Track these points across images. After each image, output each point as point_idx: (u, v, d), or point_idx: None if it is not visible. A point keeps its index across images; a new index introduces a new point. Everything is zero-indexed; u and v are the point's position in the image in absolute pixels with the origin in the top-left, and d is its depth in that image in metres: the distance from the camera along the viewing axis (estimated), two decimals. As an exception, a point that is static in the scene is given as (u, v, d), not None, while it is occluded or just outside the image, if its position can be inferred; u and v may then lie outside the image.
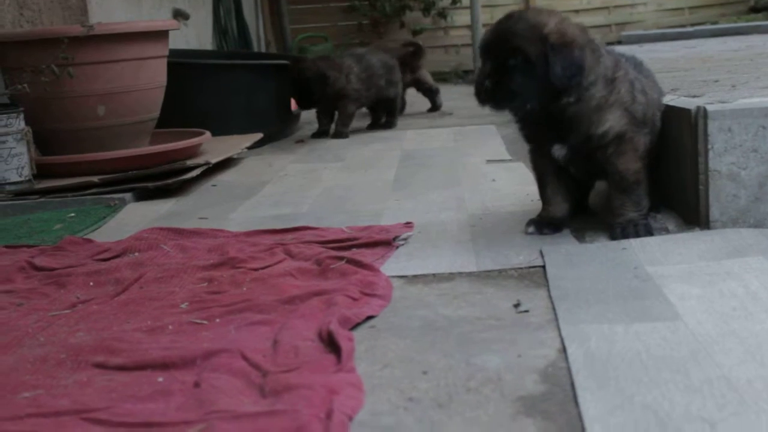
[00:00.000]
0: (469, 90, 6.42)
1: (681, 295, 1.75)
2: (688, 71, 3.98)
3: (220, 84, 4.65)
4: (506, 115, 4.74)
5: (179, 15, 6.57)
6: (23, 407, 1.36)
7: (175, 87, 4.02)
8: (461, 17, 9.49)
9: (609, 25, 10.30)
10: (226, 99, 4.64)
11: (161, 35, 3.89)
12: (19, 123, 3.27)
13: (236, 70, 4.79)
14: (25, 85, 3.27)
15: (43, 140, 3.59)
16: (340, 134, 4.87)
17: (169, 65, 3.95)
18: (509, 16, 2.23)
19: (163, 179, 3.28)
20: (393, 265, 2.14)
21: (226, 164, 3.89)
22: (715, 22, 10.02)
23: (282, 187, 3.38)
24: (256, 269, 2.10)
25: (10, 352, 1.64)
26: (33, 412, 1.33)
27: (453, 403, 1.34)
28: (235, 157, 4.07)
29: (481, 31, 7.54)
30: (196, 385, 1.40)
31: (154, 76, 3.83)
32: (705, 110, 2.20)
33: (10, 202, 3.14)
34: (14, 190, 3.23)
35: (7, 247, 2.54)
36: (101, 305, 1.91)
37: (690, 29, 9.48)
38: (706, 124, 2.19)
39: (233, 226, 2.67)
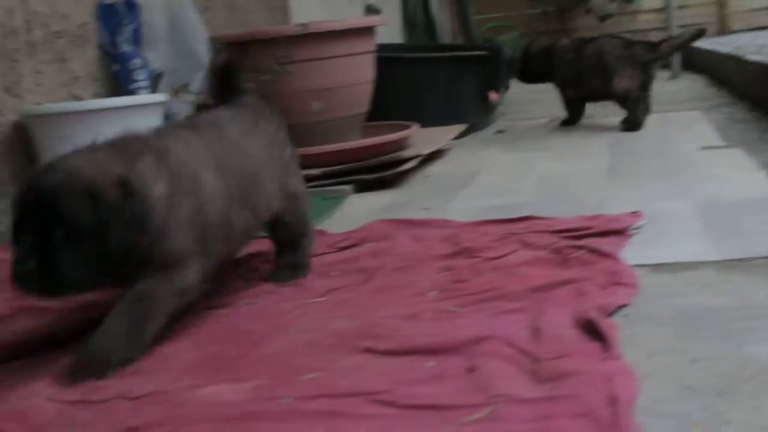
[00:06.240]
0: (661, 75, 6.26)
1: None
2: None
3: (421, 77, 4.73)
4: (712, 100, 4.62)
5: (371, 11, 6.71)
6: (311, 388, 1.44)
7: (376, 80, 4.12)
8: (649, 1, 9.27)
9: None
10: (427, 91, 4.71)
11: (369, 31, 4.00)
12: (244, 120, 3.44)
13: (436, 62, 4.86)
14: (252, 84, 3.43)
15: (261, 136, 3.76)
16: None
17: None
18: (48, 168, 1.68)
19: (379, 171, 3.38)
20: (631, 254, 2.12)
21: (434, 156, 3.96)
22: None
23: (494, 176, 3.41)
24: (493, 258, 2.14)
25: (277, 339, 1.73)
26: (322, 393, 1.41)
27: (732, 392, 1.33)
28: (441, 148, 4.13)
29: (676, 14, 7.33)
30: (470, 370, 1.44)
31: (364, 71, 3.94)
32: None
33: (237, 196, 3.31)
34: (240, 184, 3.40)
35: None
36: (352, 293, 2.00)
37: None
38: None
39: (456, 216, 2.71)
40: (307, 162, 3.51)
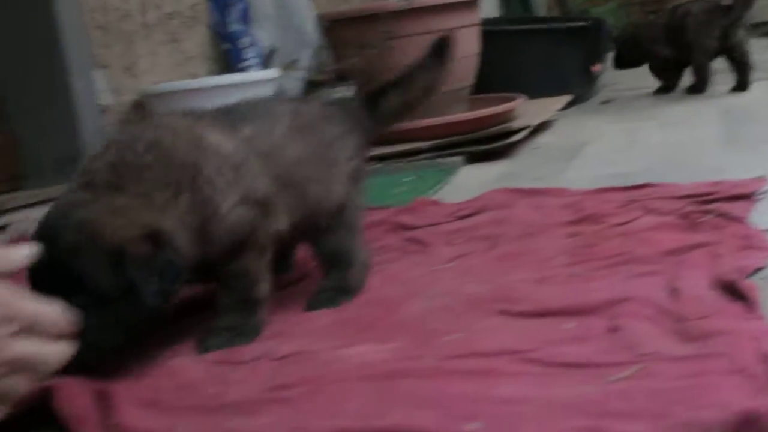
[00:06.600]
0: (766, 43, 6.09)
1: None
2: None
3: (522, 49, 4.71)
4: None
5: (467, -15, 6.66)
6: (453, 348, 1.46)
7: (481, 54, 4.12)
8: (750, -33, 8.97)
9: None
10: (529, 64, 4.69)
11: (471, 5, 3.99)
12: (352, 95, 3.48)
13: (538, 34, 4.83)
14: (358, 59, 3.47)
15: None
16: None
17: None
18: (61, 219, 1.44)
19: (488, 143, 3.38)
20: (759, 219, 2.09)
21: (540, 127, 3.94)
22: None
23: (604, 146, 3.38)
24: (619, 224, 2.13)
25: (411, 303, 1.75)
26: (464, 353, 1.43)
27: None
28: (548, 119, 4.11)
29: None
30: (612, 330, 1.44)
31: (467, 44, 3.94)
32: None
33: (347, 170, 3.35)
34: (349, 158, 3.44)
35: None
36: (479, 259, 2.01)
37: None
38: None
39: (569, 186, 2.70)
40: (416, 135, 3.55)
